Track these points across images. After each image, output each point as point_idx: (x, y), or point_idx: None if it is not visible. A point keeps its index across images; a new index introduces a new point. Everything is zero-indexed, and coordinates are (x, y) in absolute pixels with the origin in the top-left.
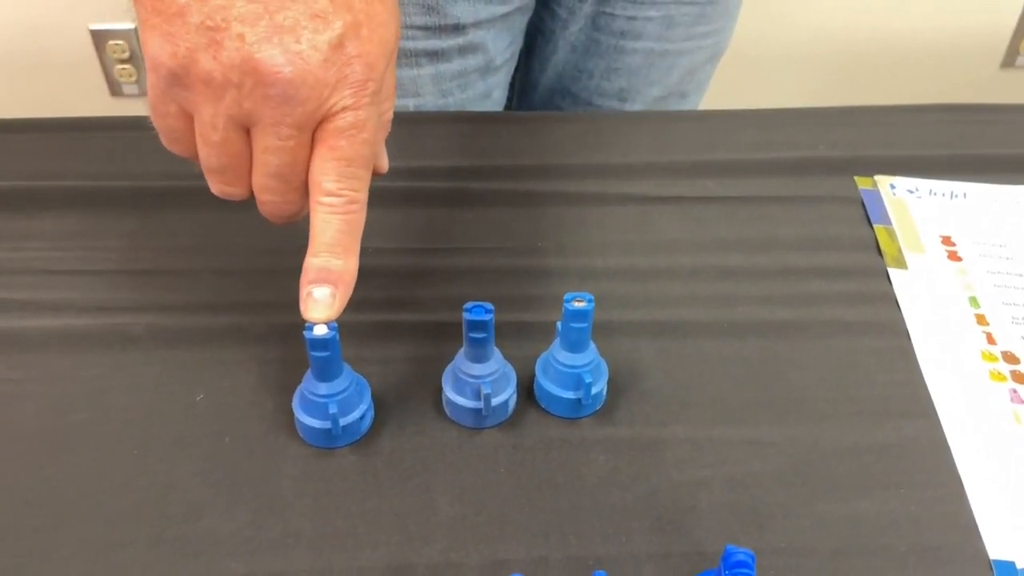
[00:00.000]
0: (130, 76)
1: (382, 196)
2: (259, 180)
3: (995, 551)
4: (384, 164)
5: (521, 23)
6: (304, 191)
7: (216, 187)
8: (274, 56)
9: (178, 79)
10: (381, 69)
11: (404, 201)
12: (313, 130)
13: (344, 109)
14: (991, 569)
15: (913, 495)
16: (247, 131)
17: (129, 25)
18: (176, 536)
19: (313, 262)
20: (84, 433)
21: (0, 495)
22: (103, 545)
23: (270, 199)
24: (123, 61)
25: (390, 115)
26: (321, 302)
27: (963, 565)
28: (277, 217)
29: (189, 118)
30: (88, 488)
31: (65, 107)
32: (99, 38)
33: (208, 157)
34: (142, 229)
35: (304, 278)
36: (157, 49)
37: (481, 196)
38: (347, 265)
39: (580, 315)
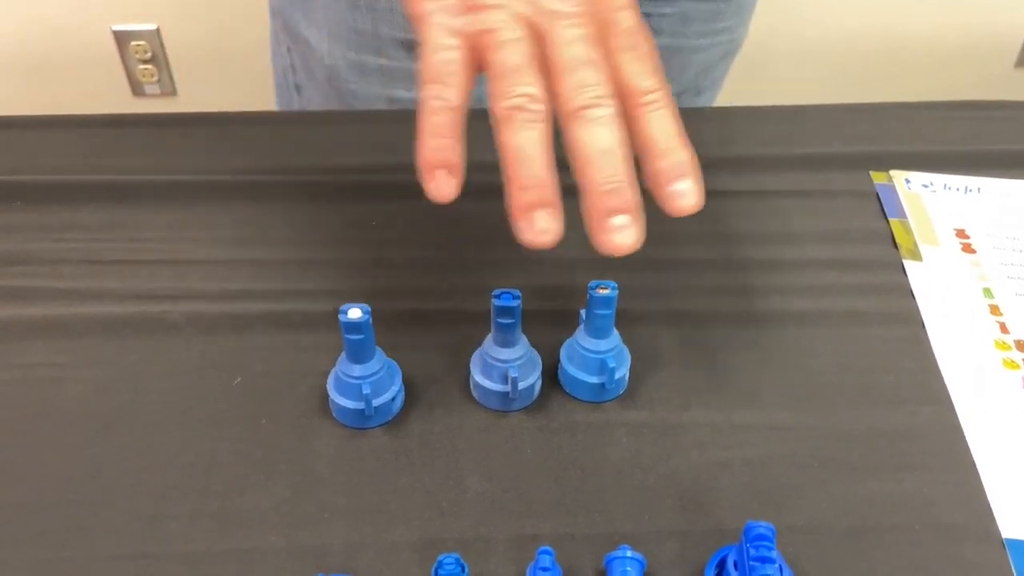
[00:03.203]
0: (152, 76)
1: (412, 190)
2: (573, 79)
3: (1008, 530)
4: None
5: None
6: (611, 85)
7: (513, 94)
8: None
9: (465, 3)
10: None
11: None
12: (599, 28)
13: (622, 8)
14: (1004, 547)
15: (927, 477)
16: (538, 34)
17: (151, 26)
18: (218, 511)
19: (663, 163)
20: (126, 415)
21: (48, 473)
22: (147, 519)
23: (592, 95)
24: (145, 61)
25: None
26: (688, 194)
27: (976, 544)
28: (599, 122)
29: (470, 47)
30: (131, 466)
31: (88, 106)
32: (121, 39)
33: (507, 59)
34: (179, 221)
35: (662, 180)
36: None
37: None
38: (691, 155)
39: (605, 302)
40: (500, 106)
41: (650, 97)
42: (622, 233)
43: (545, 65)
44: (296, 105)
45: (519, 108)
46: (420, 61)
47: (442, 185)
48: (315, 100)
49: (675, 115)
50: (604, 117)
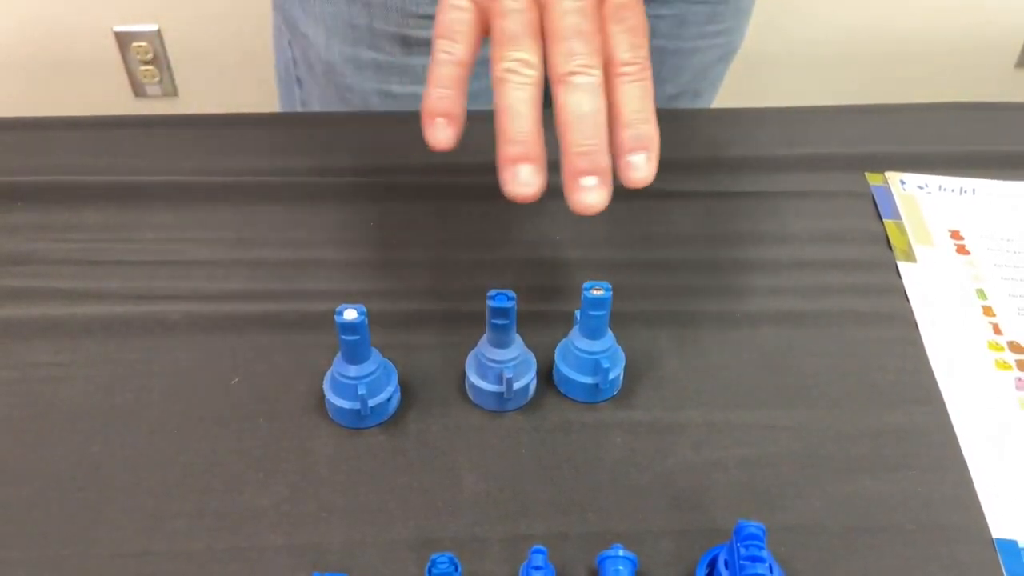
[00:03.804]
0: (153, 77)
1: (409, 191)
2: (563, 46)
3: (998, 530)
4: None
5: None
6: (601, 59)
7: (514, 54)
8: None
9: None
10: None
11: (430, 196)
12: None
13: None
14: (994, 547)
15: (920, 477)
16: (536, 9)
17: (152, 27)
18: (217, 510)
19: (626, 133)
20: (127, 414)
21: (49, 471)
22: (148, 518)
23: (578, 64)
24: (146, 62)
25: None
26: (640, 167)
27: (967, 543)
28: (583, 91)
29: (478, 8)
30: (132, 464)
31: (90, 107)
32: (123, 40)
33: (508, 27)
34: (179, 222)
35: (621, 149)
36: None
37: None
38: (655, 129)
39: (598, 303)
40: (497, 68)
41: (627, 68)
42: (590, 194)
43: (543, 34)
44: (298, 98)
45: (513, 71)
46: (435, 21)
47: (439, 132)
48: (314, 93)
49: (647, 90)
50: (587, 84)
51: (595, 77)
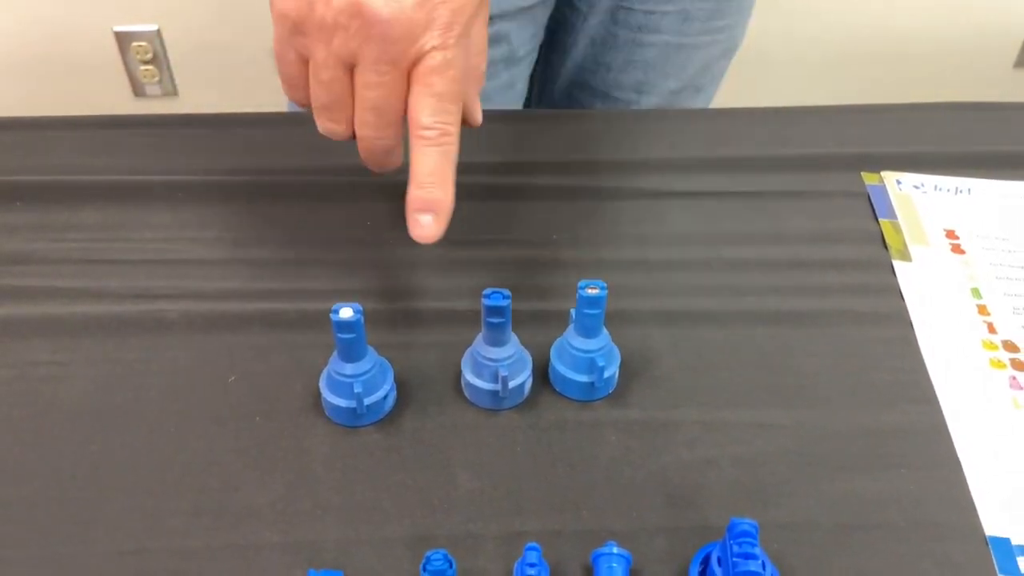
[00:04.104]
0: (153, 77)
1: (405, 190)
2: (360, 115)
3: (991, 528)
4: (478, 117)
5: (543, 16)
6: (397, 129)
7: (323, 125)
8: (375, 1)
9: (298, 27)
10: (467, 15)
11: None
12: (408, 69)
13: (434, 49)
14: (987, 545)
15: (914, 475)
16: (351, 72)
17: (152, 27)
18: (214, 507)
19: (416, 193)
20: (125, 412)
21: (48, 469)
22: (146, 515)
23: (368, 134)
24: (146, 62)
25: (483, 68)
26: (426, 226)
27: (961, 541)
28: (373, 155)
29: (305, 64)
30: (130, 463)
31: (90, 107)
32: (123, 40)
33: (319, 95)
34: (177, 221)
35: (409, 207)
36: (283, 3)
37: (499, 191)
38: (445, 194)
39: (593, 301)
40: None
41: (425, 132)
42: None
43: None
44: None
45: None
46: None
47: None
48: None
49: (445, 154)
50: (371, 147)
51: (383, 142)
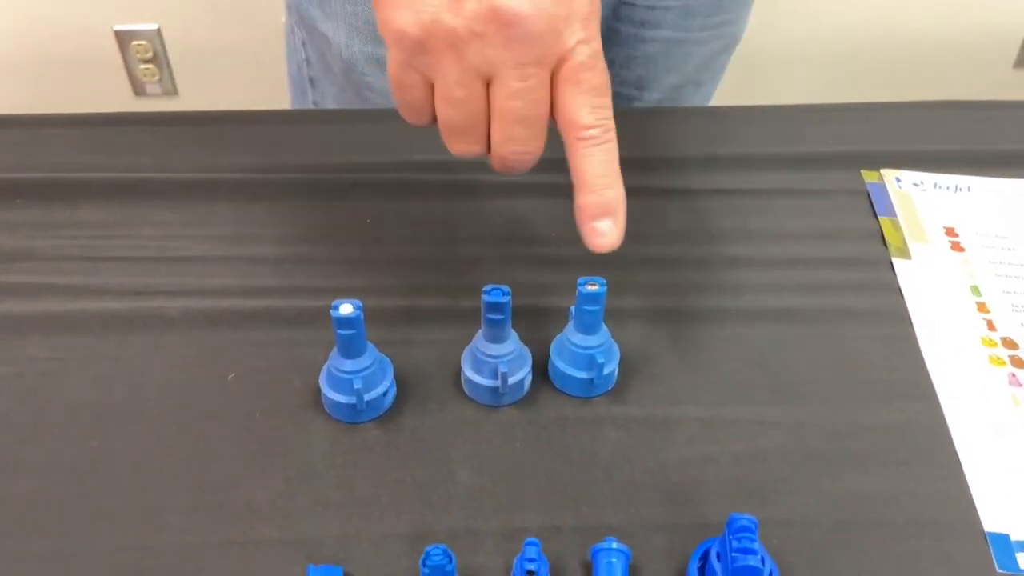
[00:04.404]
0: (153, 76)
1: (407, 187)
2: (504, 131)
3: (990, 524)
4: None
5: None
6: (543, 139)
7: (457, 147)
8: (512, 1)
9: (422, 45)
10: (599, 3)
11: (427, 192)
12: (552, 70)
13: (579, 43)
14: (986, 541)
15: (913, 472)
16: (487, 86)
17: (152, 26)
18: (213, 504)
19: (590, 199)
20: (125, 409)
21: (49, 465)
22: (145, 511)
23: (515, 149)
24: (146, 61)
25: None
26: (607, 233)
27: (960, 538)
28: (517, 169)
29: (430, 87)
30: (130, 459)
31: (90, 106)
32: (123, 39)
33: (452, 118)
34: (176, 219)
35: (583, 216)
36: (401, 21)
37: (499, 188)
38: (619, 193)
39: (593, 298)
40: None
41: (588, 132)
42: None
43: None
44: (310, 98)
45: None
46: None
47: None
48: (330, 93)
49: (611, 152)
50: (517, 167)
51: (529, 156)
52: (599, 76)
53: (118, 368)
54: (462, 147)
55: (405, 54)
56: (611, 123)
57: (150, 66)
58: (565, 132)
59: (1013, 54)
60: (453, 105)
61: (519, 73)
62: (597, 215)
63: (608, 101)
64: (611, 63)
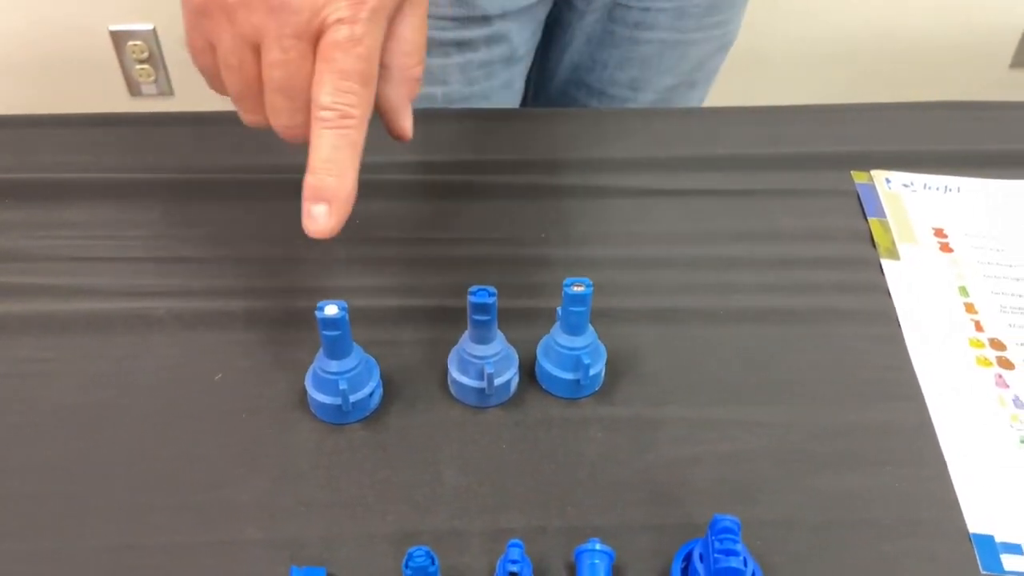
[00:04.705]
0: (149, 76)
1: (394, 187)
2: (268, 100)
3: (974, 526)
4: (406, 126)
5: (542, 15)
6: (308, 111)
7: (245, 117)
8: None
9: (203, 9)
10: None
11: (415, 193)
12: (313, 43)
13: (339, 21)
14: (970, 542)
15: (899, 472)
16: (258, 52)
17: (148, 26)
18: (198, 504)
19: (309, 180)
20: (111, 409)
21: (35, 465)
22: (130, 511)
23: (281, 122)
24: (142, 61)
25: (416, 73)
26: (317, 218)
27: (944, 538)
28: (292, 140)
29: (215, 51)
30: (115, 459)
31: (85, 106)
32: (119, 39)
33: (232, 83)
34: (164, 219)
35: (303, 194)
36: None
37: (488, 189)
38: (341, 183)
39: (579, 299)
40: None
41: (323, 114)
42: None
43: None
44: None
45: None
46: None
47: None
48: None
49: (345, 137)
50: (288, 138)
51: (298, 130)
52: (353, 60)
53: (105, 368)
54: (247, 116)
55: (192, 17)
56: (353, 111)
57: (146, 66)
58: (312, 109)
59: (1009, 54)
60: (230, 71)
61: (279, 44)
62: (311, 198)
63: (358, 88)
64: (605, 65)
